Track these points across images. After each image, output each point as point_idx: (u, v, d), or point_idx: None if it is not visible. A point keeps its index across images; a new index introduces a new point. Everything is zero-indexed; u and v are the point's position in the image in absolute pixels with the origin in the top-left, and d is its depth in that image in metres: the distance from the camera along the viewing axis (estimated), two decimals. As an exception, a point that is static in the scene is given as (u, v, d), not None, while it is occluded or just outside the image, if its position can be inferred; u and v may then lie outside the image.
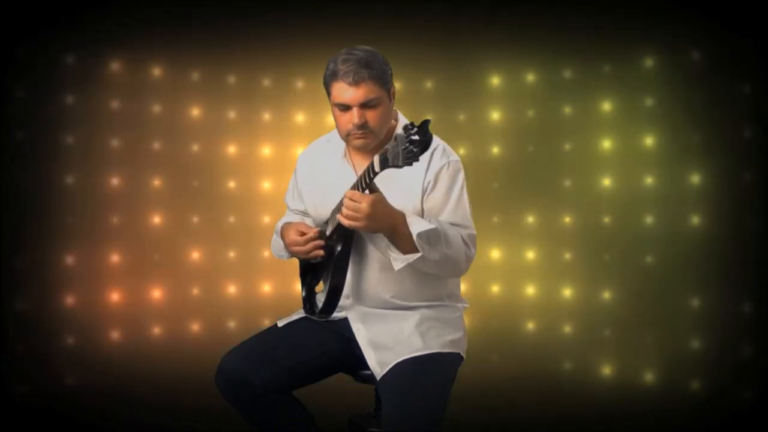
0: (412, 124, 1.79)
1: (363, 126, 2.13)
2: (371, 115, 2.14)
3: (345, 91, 2.12)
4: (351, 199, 1.99)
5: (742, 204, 3.71)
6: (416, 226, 2.05)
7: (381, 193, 2.02)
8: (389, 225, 2.04)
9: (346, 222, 2.01)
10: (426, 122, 1.79)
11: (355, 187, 2.05)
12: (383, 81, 2.14)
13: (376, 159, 1.93)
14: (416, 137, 1.77)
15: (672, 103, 3.85)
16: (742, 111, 3.70)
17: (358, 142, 2.17)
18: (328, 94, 2.19)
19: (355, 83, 2.10)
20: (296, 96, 4.28)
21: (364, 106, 2.12)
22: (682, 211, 3.83)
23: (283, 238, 2.35)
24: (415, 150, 1.78)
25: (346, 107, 2.14)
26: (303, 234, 2.26)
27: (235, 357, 2.22)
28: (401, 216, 2.06)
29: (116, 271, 4.01)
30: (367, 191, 2.02)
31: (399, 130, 1.84)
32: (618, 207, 3.98)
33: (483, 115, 4.25)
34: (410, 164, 1.81)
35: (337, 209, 2.21)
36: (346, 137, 2.19)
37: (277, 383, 2.21)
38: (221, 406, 2.37)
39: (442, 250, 2.08)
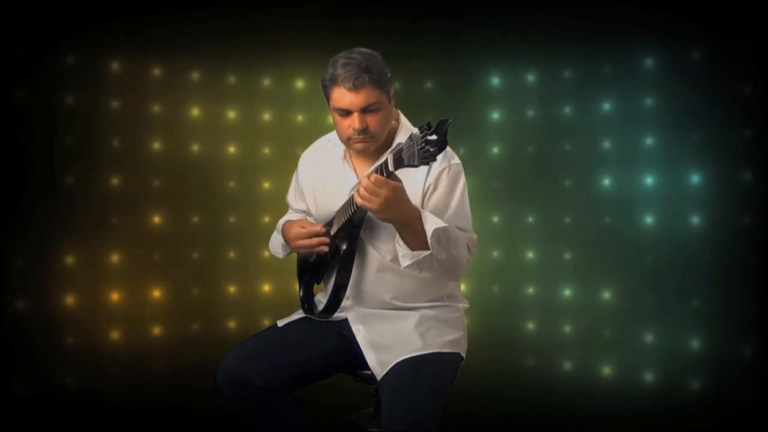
0: (428, 124, 1.78)
1: (364, 131, 2.13)
2: (372, 120, 2.13)
3: (345, 96, 2.10)
4: (372, 182, 1.95)
5: (742, 204, 3.71)
6: (431, 223, 2.04)
7: (402, 184, 2.01)
8: (403, 216, 2.02)
9: (360, 201, 1.98)
10: (445, 122, 1.78)
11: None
12: (383, 85, 2.13)
13: (390, 158, 1.92)
14: (433, 137, 1.76)
15: (672, 103, 3.85)
16: (741, 111, 3.70)
17: (359, 146, 2.17)
18: (328, 98, 2.18)
19: (355, 88, 2.09)
20: (296, 96, 4.28)
21: (365, 110, 2.11)
22: (682, 211, 3.83)
23: (284, 234, 2.36)
24: (431, 150, 1.76)
25: (346, 112, 2.13)
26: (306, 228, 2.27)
27: (235, 357, 2.23)
28: (416, 211, 2.05)
29: (116, 271, 4.01)
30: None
31: (414, 131, 1.83)
32: (618, 207, 3.98)
33: (483, 115, 4.25)
34: (427, 164, 1.80)
35: (343, 209, 2.21)
36: (347, 141, 2.18)
37: (277, 383, 2.21)
38: (221, 406, 2.37)
39: (449, 250, 2.08)
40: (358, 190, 1.99)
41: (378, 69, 2.12)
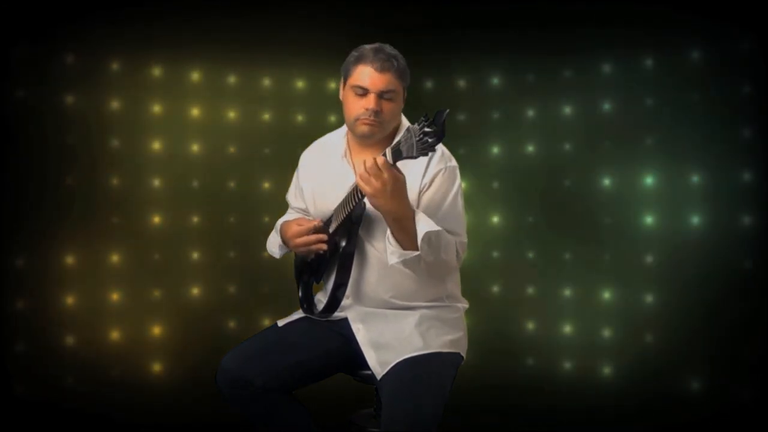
0: (426, 115, 1.80)
1: (376, 113, 2.15)
2: (386, 106, 2.17)
3: (368, 76, 2.15)
4: (380, 163, 1.96)
5: (742, 204, 3.71)
6: (424, 225, 2.05)
7: (404, 176, 2.01)
8: (397, 211, 2.02)
9: (359, 180, 1.99)
10: (442, 112, 1.79)
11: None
12: (403, 78, 2.20)
13: (389, 151, 1.93)
14: (431, 128, 1.78)
15: (672, 103, 3.84)
16: (741, 111, 3.70)
17: (365, 128, 2.18)
18: (347, 77, 2.21)
19: (382, 70, 2.15)
20: (296, 96, 4.28)
21: (382, 95, 2.15)
22: (682, 211, 3.83)
23: (282, 234, 2.36)
24: (430, 140, 1.78)
25: (363, 91, 2.16)
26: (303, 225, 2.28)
27: (235, 357, 2.23)
28: (411, 210, 2.05)
29: (116, 271, 4.01)
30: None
31: (411, 125, 1.85)
32: (618, 207, 3.98)
33: (483, 115, 4.25)
34: (425, 155, 1.82)
35: (342, 205, 2.21)
36: (354, 122, 2.19)
37: (277, 383, 2.21)
38: (221, 406, 2.38)
39: (439, 254, 2.09)
40: (360, 173, 2.00)
41: (404, 63, 2.21)
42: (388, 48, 2.20)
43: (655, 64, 3.89)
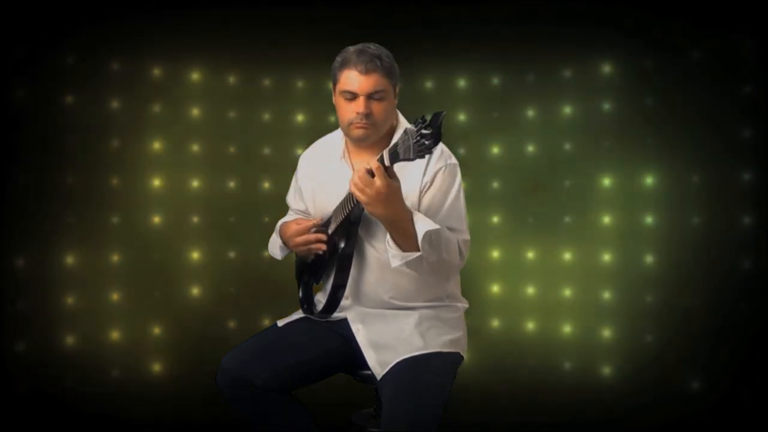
0: (423, 117, 1.80)
1: (367, 116, 2.15)
2: (376, 107, 2.16)
3: (354, 79, 2.14)
4: (368, 174, 1.96)
5: (742, 204, 3.71)
6: (423, 225, 2.04)
7: (399, 183, 2.01)
8: (392, 216, 2.02)
9: (352, 188, 1.99)
10: (439, 114, 1.79)
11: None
12: (392, 76, 2.18)
13: (386, 154, 1.93)
14: (428, 130, 1.77)
15: (672, 103, 3.85)
16: (741, 111, 3.70)
17: (359, 132, 2.18)
18: (335, 82, 2.20)
19: (366, 72, 2.13)
20: (296, 96, 4.28)
21: (371, 97, 2.14)
22: (682, 211, 3.83)
23: (282, 235, 2.36)
24: (427, 143, 1.78)
25: (352, 96, 2.15)
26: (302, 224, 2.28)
27: (236, 357, 2.23)
28: (408, 213, 2.05)
29: (116, 271, 4.01)
30: None
31: (408, 126, 1.85)
32: (618, 207, 3.98)
33: (483, 115, 4.25)
34: (422, 157, 1.81)
35: (341, 206, 2.21)
36: (348, 126, 2.19)
37: (277, 383, 2.21)
38: (221, 407, 2.38)
39: (440, 253, 2.08)
40: (352, 178, 1.99)
41: (390, 60, 2.18)
42: (372, 47, 2.17)
43: (655, 64, 3.88)
